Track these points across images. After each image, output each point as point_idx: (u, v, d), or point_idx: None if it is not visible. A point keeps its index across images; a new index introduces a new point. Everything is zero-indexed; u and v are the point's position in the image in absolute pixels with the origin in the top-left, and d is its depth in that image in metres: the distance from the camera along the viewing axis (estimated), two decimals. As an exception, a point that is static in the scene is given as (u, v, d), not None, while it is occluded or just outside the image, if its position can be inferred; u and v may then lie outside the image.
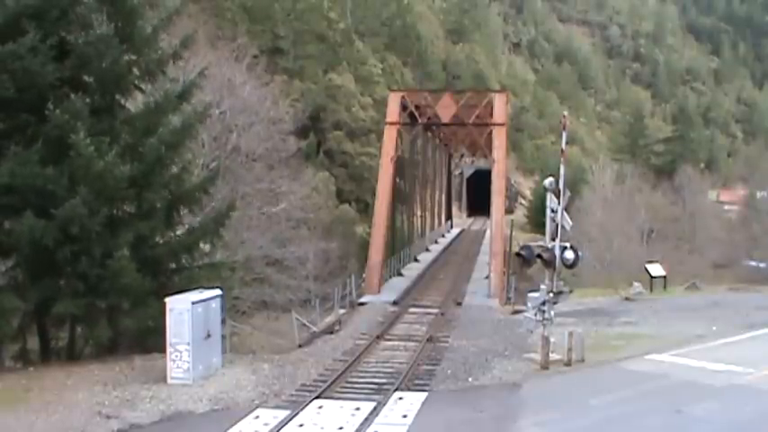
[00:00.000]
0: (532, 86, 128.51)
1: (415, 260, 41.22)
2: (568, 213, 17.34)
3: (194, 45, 21.35)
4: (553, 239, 16.91)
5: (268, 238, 32.75)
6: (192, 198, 19.55)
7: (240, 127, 33.21)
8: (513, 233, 46.28)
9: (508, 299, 29.99)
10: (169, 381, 15.34)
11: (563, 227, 16.87)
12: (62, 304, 16.40)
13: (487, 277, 31.06)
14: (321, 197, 49.71)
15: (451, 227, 66.62)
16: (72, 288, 16.76)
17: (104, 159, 16.19)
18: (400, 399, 14.51)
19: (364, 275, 32.06)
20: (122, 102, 18.87)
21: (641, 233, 54.90)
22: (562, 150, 17.66)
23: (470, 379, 16.38)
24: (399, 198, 38.46)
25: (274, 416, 13.33)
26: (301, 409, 13.69)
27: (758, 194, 64.29)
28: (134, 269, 16.51)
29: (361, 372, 17.21)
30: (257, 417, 13.40)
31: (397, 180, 36.76)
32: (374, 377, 16.59)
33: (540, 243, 17.49)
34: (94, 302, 16.61)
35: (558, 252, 16.73)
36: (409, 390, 15.35)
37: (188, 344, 15.36)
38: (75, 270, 16.73)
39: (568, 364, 16.97)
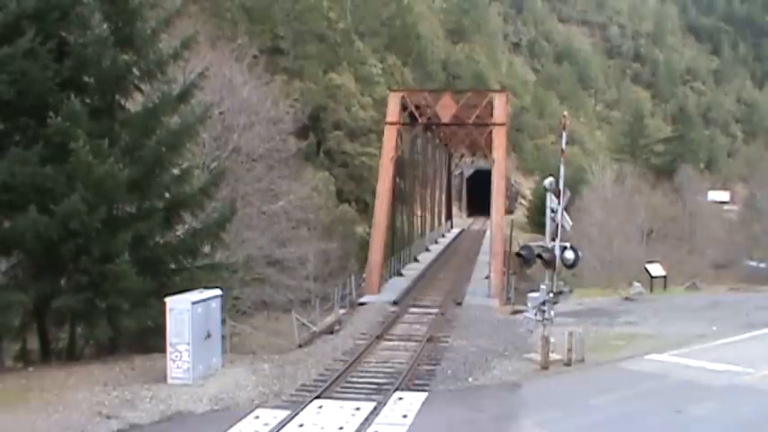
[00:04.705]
0: (532, 86, 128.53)
1: (415, 260, 41.22)
2: (568, 213, 17.34)
3: (194, 45, 21.29)
4: (553, 239, 16.91)
5: (268, 238, 32.75)
6: (193, 201, 19.55)
7: (240, 127, 33.20)
8: (513, 233, 46.38)
9: (508, 299, 30.01)
10: (169, 381, 15.34)
11: (563, 227, 16.87)
12: (63, 299, 16.43)
13: (487, 277, 31.05)
14: (321, 197, 49.66)
15: (451, 227, 66.63)
16: (73, 284, 16.80)
17: (105, 165, 16.20)
18: (400, 399, 14.50)
19: (364, 275, 32.06)
20: (122, 102, 18.87)
21: (641, 233, 54.96)
22: (562, 150, 17.66)
23: (470, 379, 16.38)
24: (399, 198, 38.44)
25: (274, 416, 13.33)
26: (301, 410, 13.68)
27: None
28: (134, 272, 16.53)
29: (361, 372, 17.20)
30: (257, 417, 13.39)
31: (397, 180, 36.74)
32: (374, 377, 16.58)
33: (540, 243, 17.48)
34: (95, 300, 16.63)
35: (558, 252, 16.73)
36: (409, 390, 15.34)
37: (188, 344, 15.36)
38: (77, 267, 16.77)
39: (568, 364, 16.97)
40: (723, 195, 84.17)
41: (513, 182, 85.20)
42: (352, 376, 16.70)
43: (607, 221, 53.34)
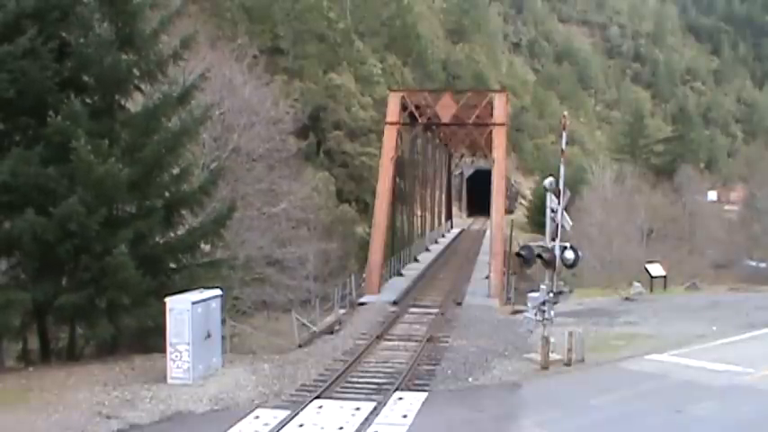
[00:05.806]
0: (532, 86, 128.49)
1: (415, 260, 41.22)
2: (568, 213, 17.34)
3: (194, 45, 21.28)
4: (553, 239, 16.92)
5: (268, 239, 32.76)
6: (192, 200, 19.54)
7: (240, 127, 33.21)
8: (513, 233, 46.39)
9: (508, 299, 30.02)
10: (169, 381, 15.35)
11: (563, 227, 16.87)
12: (66, 297, 16.44)
13: (487, 277, 31.05)
14: (321, 197, 49.66)
15: (451, 227, 66.63)
16: (74, 282, 16.80)
17: (105, 165, 16.20)
18: (400, 399, 14.51)
19: (364, 275, 32.06)
20: (122, 102, 18.87)
21: (641, 233, 54.93)
22: (562, 150, 17.66)
23: (470, 379, 16.39)
24: (399, 198, 38.46)
25: (274, 416, 13.33)
26: (301, 410, 13.69)
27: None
28: (132, 265, 16.51)
29: (361, 372, 17.21)
30: (257, 417, 13.40)
31: (397, 180, 36.75)
32: (374, 377, 16.59)
33: (540, 243, 17.48)
34: (95, 298, 16.62)
35: (558, 252, 16.73)
36: (409, 390, 15.35)
37: (188, 344, 15.37)
38: (77, 266, 16.77)
39: (568, 364, 16.98)
40: (711, 195, 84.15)
41: (513, 182, 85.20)
42: (352, 376, 16.71)
43: (607, 221, 53.32)
